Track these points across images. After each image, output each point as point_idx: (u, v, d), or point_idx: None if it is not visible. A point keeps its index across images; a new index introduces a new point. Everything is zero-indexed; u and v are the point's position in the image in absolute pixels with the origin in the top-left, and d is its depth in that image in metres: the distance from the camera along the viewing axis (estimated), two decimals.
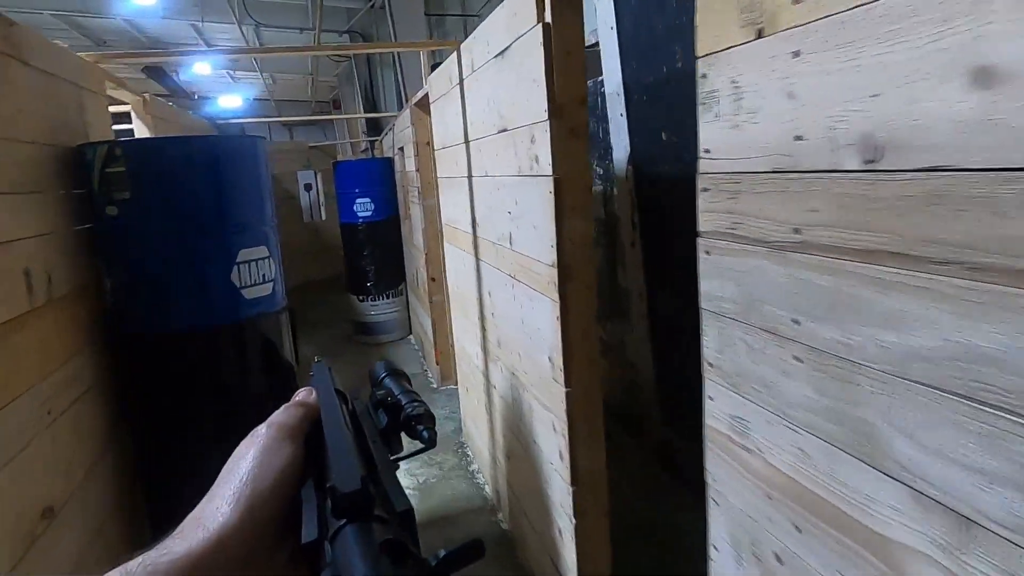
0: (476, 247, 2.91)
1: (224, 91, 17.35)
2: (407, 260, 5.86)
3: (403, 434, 0.54)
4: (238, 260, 2.15)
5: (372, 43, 7.99)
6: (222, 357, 2.21)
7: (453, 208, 3.35)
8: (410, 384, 0.61)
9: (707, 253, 1.12)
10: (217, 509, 0.41)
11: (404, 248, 5.95)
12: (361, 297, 5.96)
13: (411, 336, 6.10)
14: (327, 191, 8.56)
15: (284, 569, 0.43)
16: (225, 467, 0.44)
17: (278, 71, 15.80)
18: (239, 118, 14.17)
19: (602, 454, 2.02)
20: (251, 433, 0.47)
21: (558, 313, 1.91)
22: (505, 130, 2.23)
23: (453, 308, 3.83)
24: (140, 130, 3.21)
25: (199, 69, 14.38)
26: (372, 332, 5.99)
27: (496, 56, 2.23)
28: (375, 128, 10.71)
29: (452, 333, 4.44)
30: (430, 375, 4.99)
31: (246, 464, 0.44)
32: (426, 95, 3.86)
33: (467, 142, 2.82)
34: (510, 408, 2.66)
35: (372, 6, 9.78)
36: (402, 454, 0.54)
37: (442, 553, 0.37)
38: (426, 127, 4.43)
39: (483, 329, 2.97)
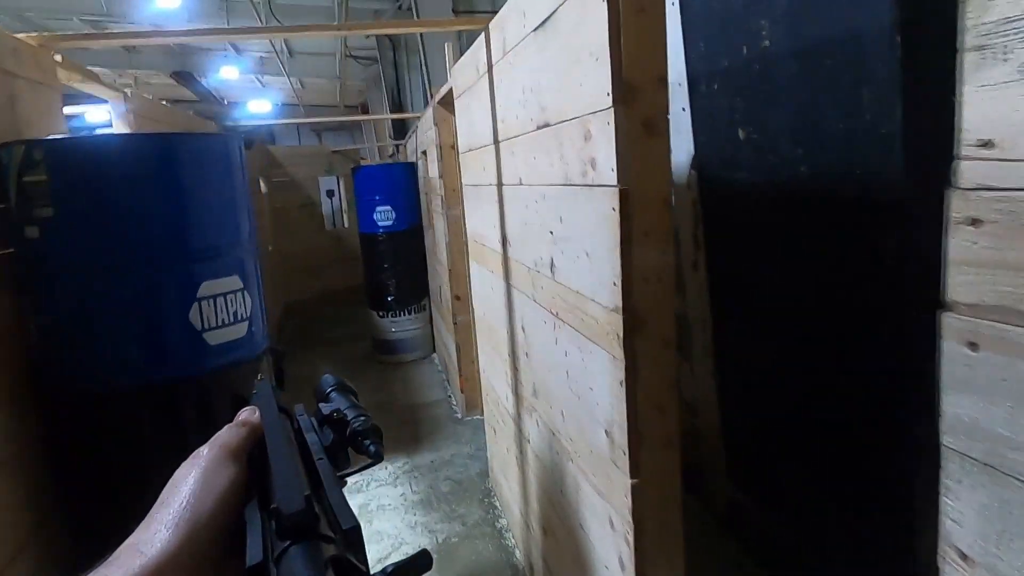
0: (507, 270, 2.37)
1: (253, 96, 17.08)
2: (431, 274, 5.35)
3: (351, 449, 0.52)
4: (200, 295, 1.64)
5: (390, 21, 7.48)
6: (180, 420, 1.69)
7: (480, 221, 2.81)
8: (357, 399, 0.58)
9: (972, 347, 0.56)
10: (155, 534, 0.39)
11: (428, 261, 5.44)
12: (381, 313, 5.46)
13: (435, 355, 5.58)
14: (350, 198, 8.11)
15: None
16: (164, 490, 0.42)
17: (306, 75, 15.54)
18: (264, 121, 13.88)
19: (680, 567, 1.46)
20: (192, 455, 0.45)
21: (622, 376, 1.36)
22: (547, 125, 1.68)
23: (479, 335, 3.28)
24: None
25: (227, 74, 14.11)
26: (393, 351, 5.48)
27: (536, 29, 1.68)
28: (402, 131, 10.26)
29: (478, 359, 3.91)
30: (454, 402, 4.45)
31: (187, 487, 0.42)
32: (450, 91, 3.33)
33: (496, 143, 2.28)
34: (548, 474, 2.11)
35: (399, 7, 9.33)
36: (350, 470, 0.51)
37: (390, 568, 0.38)
38: (450, 128, 3.91)
39: (515, 369, 2.43)
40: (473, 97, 2.63)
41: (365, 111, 17.74)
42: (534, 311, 2.02)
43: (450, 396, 4.60)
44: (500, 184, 2.29)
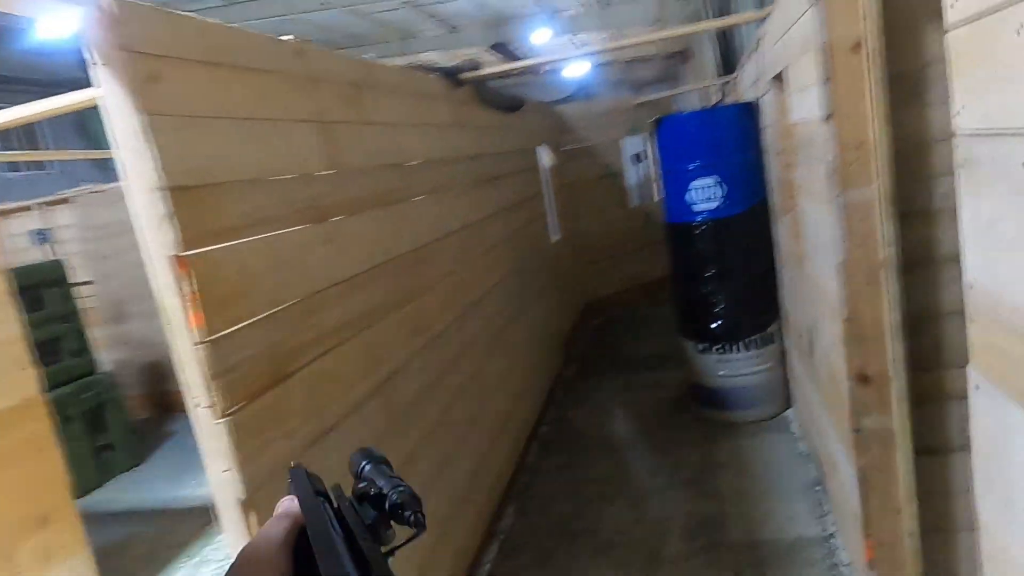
0: None
1: (570, 59, 15.83)
2: (787, 289, 3.10)
3: (393, 523, 0.51)
4: None
5: None
6: None
7: None
8: (391, 468, 0.55)
9: None
10: None
11: (781, 267, 3.19)
12: (702, 346, 3.40)
13: (789, 414, 3.35)
14: None
15: None
16: None
17: (621, 26, 13.72)
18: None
19: None
20: (240, 551, 0.46)
21: None
22: None
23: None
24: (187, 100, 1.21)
25: (539, 38, 12.96)
26: (721, 404, 3.41)
27: None
28: (732, 65, 7.80)
29: (907, 511, 1.70)
30: (842, 559, 2.23)
31: None
32: None
33: None
34: None
35: None
36: (394, 544, 0.50)
37: None
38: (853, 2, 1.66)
39: None
40: None
41: (687, 58, 15.26)
42: None
43: (831, 536, 2.38)
44: None
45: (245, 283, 1.45)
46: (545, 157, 5.10)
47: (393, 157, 2.30)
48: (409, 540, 0.50)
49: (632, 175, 6.25)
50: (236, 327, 1.40)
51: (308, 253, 1.70)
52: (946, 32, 0.89)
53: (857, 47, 1.68)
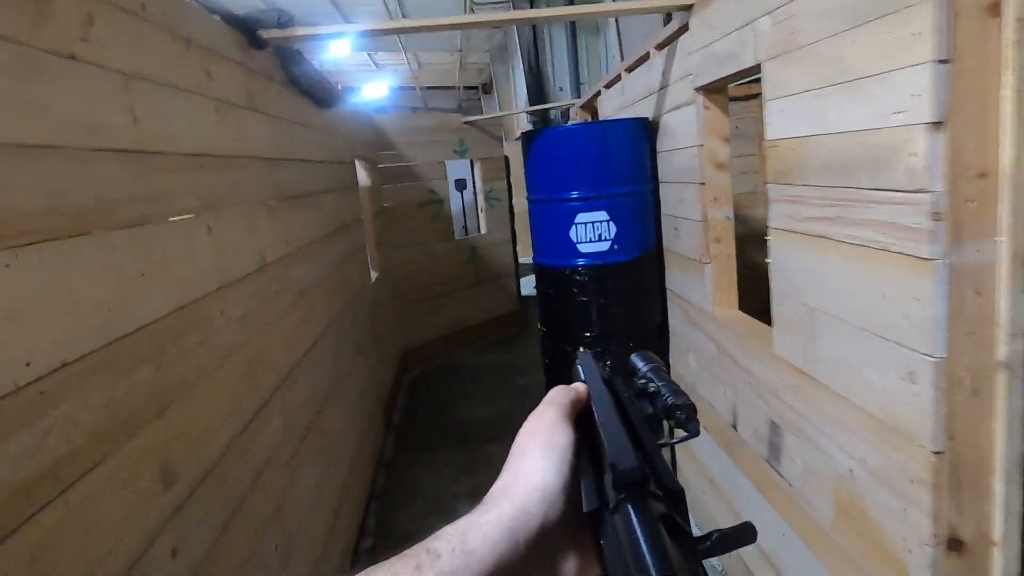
0: None
1: (367, 79, 14.71)
2: (693, 356, 2.43)
3: (666, 422, 0.52)
4: None
5: None
6: None
7: None
8: (669, 373, 0.56)
9: None
10: (518, 480, 0.42)
11: (680, 328, 2.53)
12: None
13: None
14: (492, 188, 5.34)
15: (571, 533, 0.41)
16: (515, 446, 0.45)
17: (423, 49, 13.06)
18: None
19: None
20: (534, 414, 0.47)
21: None
22: None
23: None
24: None
25: (337, 52, 11.63)
26: None
27: None
28: (540, 96, 7.47)
29: None
30: None
31: (538, 438, 0.44)
32: None
33: None
34: None
35: None
36: (666, 440, 0.51)
37: (716, 534, 0.37)
38: None
39: None
40: None
41: (487, 90, 15.03)
42: None
43: None
44: None
45: None
46: (363, 174, 4.05)
47: (128, 138, 1.17)
48: (681, 440, 0.50)
49: (455, 203, 5.43)
50: None
51: None
52: None
53: (995, 9, 1.00)
